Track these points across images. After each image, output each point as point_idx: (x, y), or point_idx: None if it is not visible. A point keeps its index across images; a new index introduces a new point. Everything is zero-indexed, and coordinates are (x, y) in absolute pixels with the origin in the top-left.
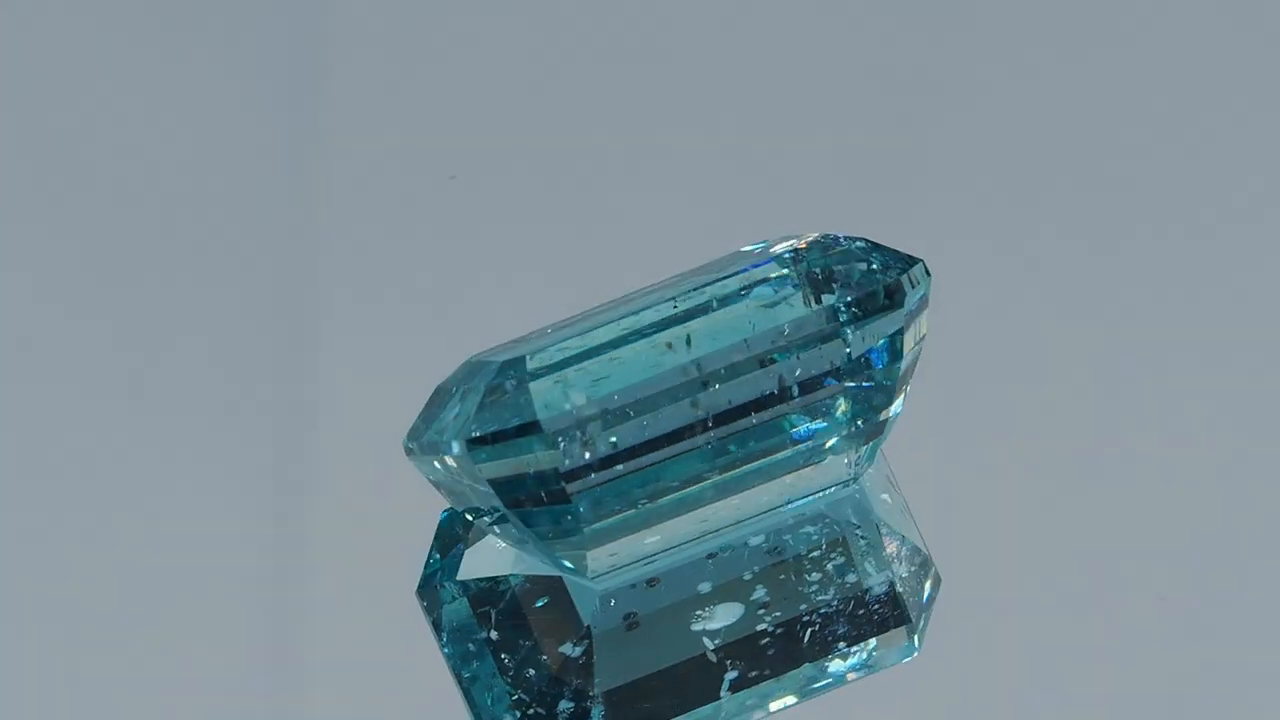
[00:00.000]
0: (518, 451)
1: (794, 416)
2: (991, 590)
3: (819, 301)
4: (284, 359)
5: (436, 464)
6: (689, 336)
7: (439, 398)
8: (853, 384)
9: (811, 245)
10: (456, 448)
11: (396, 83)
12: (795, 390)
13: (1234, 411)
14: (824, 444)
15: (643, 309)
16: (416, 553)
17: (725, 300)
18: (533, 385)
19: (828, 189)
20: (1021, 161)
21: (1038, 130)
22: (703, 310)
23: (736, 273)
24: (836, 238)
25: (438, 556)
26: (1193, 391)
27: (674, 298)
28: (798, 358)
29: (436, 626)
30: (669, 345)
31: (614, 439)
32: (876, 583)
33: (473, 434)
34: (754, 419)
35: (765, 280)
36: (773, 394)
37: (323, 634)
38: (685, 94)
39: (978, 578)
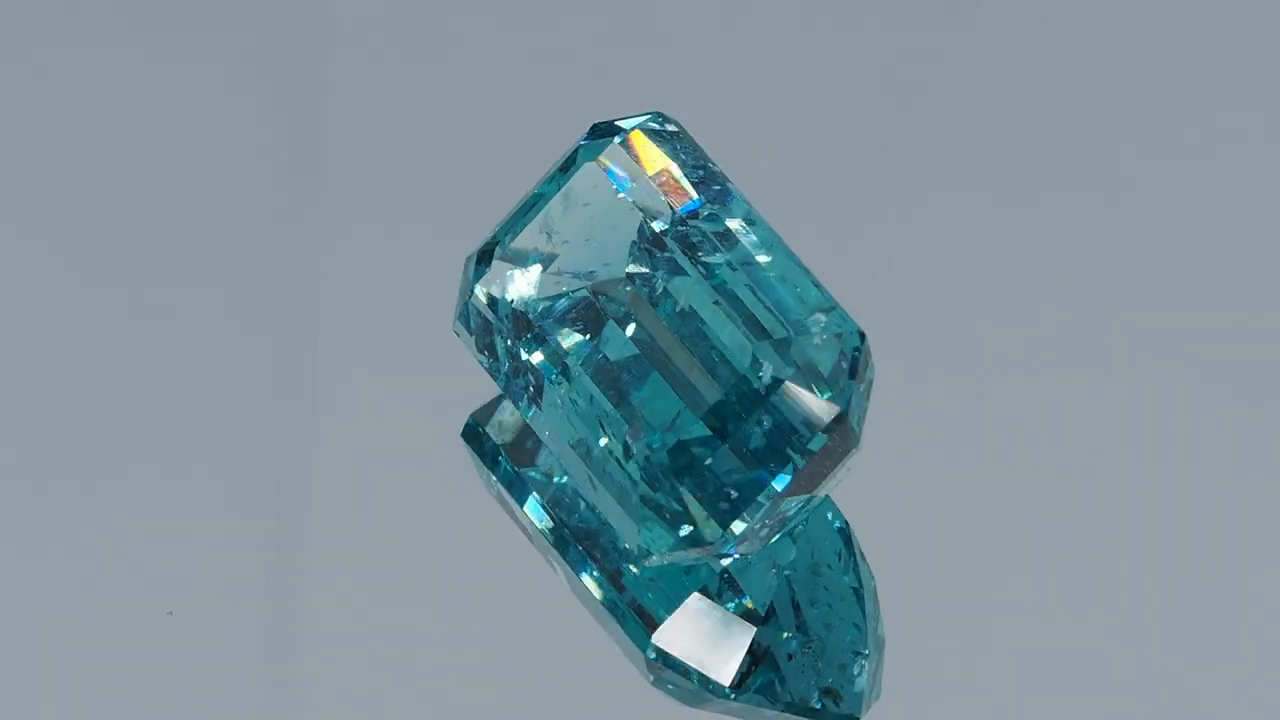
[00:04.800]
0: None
1: None
2: (988, 591)
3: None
4: (284, 359)
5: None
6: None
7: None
8: None
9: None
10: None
11: (397, 82)
12: None
13: (1234, 412)
14: None
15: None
16: (415, 553)
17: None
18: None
19: (828, 189)
20: (1022, 161)
21: (1038, 130)
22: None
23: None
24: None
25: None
26: (1194, 392)
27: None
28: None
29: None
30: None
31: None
32: None
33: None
34: None
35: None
36: None
37: (322, 634)
38: (684, 93)
39: (975, 577)
